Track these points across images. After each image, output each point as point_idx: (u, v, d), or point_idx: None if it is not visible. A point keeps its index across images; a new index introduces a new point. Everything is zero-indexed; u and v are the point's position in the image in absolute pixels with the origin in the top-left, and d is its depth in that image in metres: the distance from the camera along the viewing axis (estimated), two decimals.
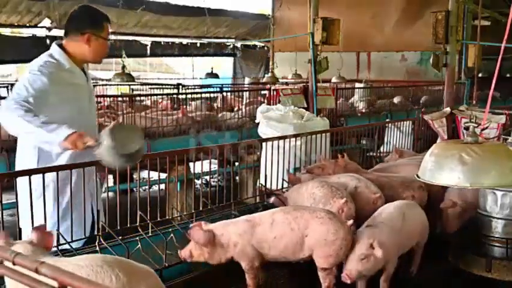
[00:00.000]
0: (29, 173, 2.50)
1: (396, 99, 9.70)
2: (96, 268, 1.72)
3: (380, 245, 2.36)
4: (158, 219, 2.91)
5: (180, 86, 9.13)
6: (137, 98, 8.03)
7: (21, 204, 2.51)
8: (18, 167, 3.01)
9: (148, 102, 8.03)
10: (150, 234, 2.66)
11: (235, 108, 8.11)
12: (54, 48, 3.00)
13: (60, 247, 2.43)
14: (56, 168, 2.62)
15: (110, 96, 8.51)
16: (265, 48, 16.20)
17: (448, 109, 5.40)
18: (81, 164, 2.69)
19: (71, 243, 2.51)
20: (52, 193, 2.65)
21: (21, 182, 2.46)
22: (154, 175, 4.25)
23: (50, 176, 2.60)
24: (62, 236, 2.47)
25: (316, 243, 2.36)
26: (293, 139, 3.89)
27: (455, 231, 3.24)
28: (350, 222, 2.44)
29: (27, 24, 11.86)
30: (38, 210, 2.50)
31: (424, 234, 2.86)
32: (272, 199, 3.12)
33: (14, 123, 2.61)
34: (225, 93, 8.55)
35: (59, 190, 2.61)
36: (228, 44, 16.23)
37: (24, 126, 2.56)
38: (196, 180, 3.87)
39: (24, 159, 3.00)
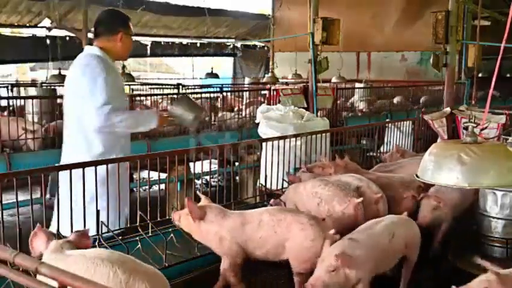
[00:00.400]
0: (28, 173, 2.50)
1: (396, 99, 9.70)
2: (97, 261, 1.77)
3: (350, 260, 2.12)
4: (158, 219, 2.91)
5: (180, 86, 9.11)
6: (137, 98, 8.01)
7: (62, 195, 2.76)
8: (75, 157, 3.20)
9: (148, 103, 8.03)
10: (150, 234, 2.66)
11: (236, 108, 8.10)
12: (93, 49, 3.44)
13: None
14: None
15: None
16: (265, 48, 16.20)
17: (448, 109, 5.40)
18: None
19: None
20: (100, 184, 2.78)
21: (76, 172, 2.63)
22: (154, 175, 4.25)
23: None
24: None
25: (294, 248, 2.35)
26: (293, 139, 3.89)
27: (454, 231, 3.24)
28: (333, 231, 2.33)
29: (27, 24, 11.86)
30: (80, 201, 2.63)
31: (414, 253, 2.63)
32: (272, 201, 3.11)
33: (125, 128, 3.35)
34: (225, 93, 8.53)
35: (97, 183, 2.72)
36: (228, 44, 16.23)
37: (127, 125, 3.30)
38: (196, 180, 3.86)
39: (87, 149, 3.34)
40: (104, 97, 3.23)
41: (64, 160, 3.41)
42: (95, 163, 2.78)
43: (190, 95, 3.92)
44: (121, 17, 3.59)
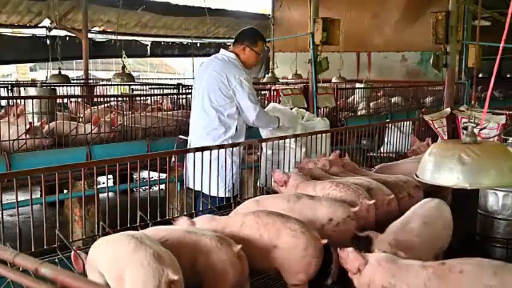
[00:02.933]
0: (28, 173, 2.50)
1: (394, 99, 9.70)
2: (144, 239, 1.96)
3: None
4: (158, 219, 2.91)
5: (180, 86, 9.10)
6: (137, 98, 8.01)
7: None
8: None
9: (148, 103, 8.02)
10: None
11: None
12: (233, 56, 4.10)
13: None
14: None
15: (110, 96, 8.50)
16: (266, 48, 16.18)
17: (448, 109, 5.40)
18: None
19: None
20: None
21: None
22: (154, 175, 4.25)
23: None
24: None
25: (285, 257, 2.21)
26: (293, 139, 3.89)
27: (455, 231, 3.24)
28: (325, 241, 2.28)
29: (27, 24, 11.85)
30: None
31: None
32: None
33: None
34: None
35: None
36: (228, 44, 16.22)
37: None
38: None
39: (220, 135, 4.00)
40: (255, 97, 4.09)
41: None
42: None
43: None
44: (251, 34, 4.23)
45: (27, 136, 4.94)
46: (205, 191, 3.46)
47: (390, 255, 2.10)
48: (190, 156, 3.33)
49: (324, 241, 2.27)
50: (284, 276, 2.26)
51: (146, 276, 1.82)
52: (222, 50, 4.25)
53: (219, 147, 3.44)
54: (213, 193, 3.61)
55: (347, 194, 2.81)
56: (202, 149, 3.31)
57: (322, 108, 7.07)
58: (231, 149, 3.56)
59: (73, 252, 2.20)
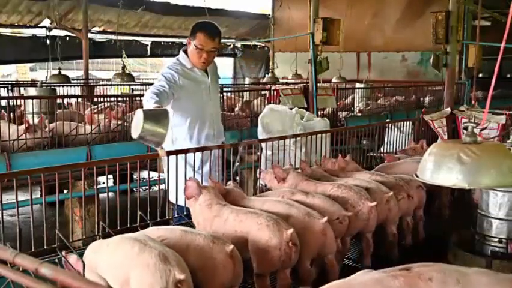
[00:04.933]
0: (28, 173, 2.50)
1: (396, 100, 9.69)
2: (149, 242, 1.96)
3: None
4: (158, 219, 2.91)
5: None
6: (137, 98, 8.02)
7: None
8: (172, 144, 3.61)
9: None
10: None
11: (236, 108, 8.09)
12: (180, 54, 3.77)
13: None
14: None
15: (110, 96, 8.50)
16: (266, 48, 16.19)
17: (448, 109, 5.40)
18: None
19: None
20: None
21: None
22: (154, 175, 4.26)
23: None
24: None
25: (253, 248, 2.28)
26: (293, 139, 3.89)
27: (454, 231, 3.24)
28: (291, 231, 2.25)
29: (27, 24, 11.86)
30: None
31: None
32: None
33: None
34: (225, 93, 8.53)
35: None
36: (228, 44, 16.22)
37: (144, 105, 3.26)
38: None
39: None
40: (156, 83, 3.60)
41: None
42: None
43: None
44: (193, 26, 3.75)
45: (27, 136, 4.95)
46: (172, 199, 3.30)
47: None
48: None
49: (291, 230, 2.24)
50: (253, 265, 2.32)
51: (153, 277, 1.81)
52: None
53: (219, 147, 3.44)
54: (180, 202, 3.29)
55: (348, 195, 2.81)
56: (202, 149, 3.31)
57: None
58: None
59: (64, 256, 2.19)
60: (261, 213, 2.37)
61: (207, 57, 3.69)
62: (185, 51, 3.78)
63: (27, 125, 4.95)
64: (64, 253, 2.22)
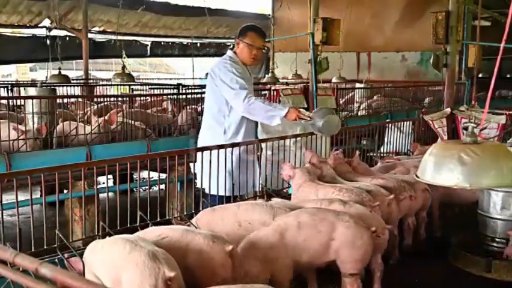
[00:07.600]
0: (28, 173, 2.50)
1: (396, 100, 9.69)
2: (138, 241, 1.98)
3: None
4: (158, 219, 2.91)
5: (180, 86, 9.10)
6: (138, 98, 8.01)
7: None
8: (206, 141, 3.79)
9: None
10: None
11: None
12: (229, 54, 3.99)
13: None
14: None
15: (110, 96, 8.50)
16: (264, 44, 16.15)
17: (448, 109, 5.40)
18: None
19: None
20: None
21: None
22: (154, 175, 4.25)
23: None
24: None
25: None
26: (293, 139, 3.89)
27: (455, 231, 3.24)
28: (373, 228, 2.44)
29: (27, 24, 11.85)
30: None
31: None
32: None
33: (258, 112, 3.67)
34: None
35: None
36: (228, 44, 16.21)
37: (261, 109, 3.65)
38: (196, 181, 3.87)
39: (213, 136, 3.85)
40: (236, 84, 3.77)
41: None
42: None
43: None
44: (243, 27, 4.05)
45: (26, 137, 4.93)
46: (206, 189, 3.49)
47: None
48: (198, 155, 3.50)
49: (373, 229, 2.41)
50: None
51: (142, 275, 1.82)
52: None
53: (219, 147, 3.45)
54: (213, 192, 3.59)
55: (350, 199, 2.81)
56: (202, 149, 3.31)
57: None
58: (230, 148, 3.53)
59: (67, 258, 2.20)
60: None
61: (257, 54, 3.97)
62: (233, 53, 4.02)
63: (21, 133, 4.89)
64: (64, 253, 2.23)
